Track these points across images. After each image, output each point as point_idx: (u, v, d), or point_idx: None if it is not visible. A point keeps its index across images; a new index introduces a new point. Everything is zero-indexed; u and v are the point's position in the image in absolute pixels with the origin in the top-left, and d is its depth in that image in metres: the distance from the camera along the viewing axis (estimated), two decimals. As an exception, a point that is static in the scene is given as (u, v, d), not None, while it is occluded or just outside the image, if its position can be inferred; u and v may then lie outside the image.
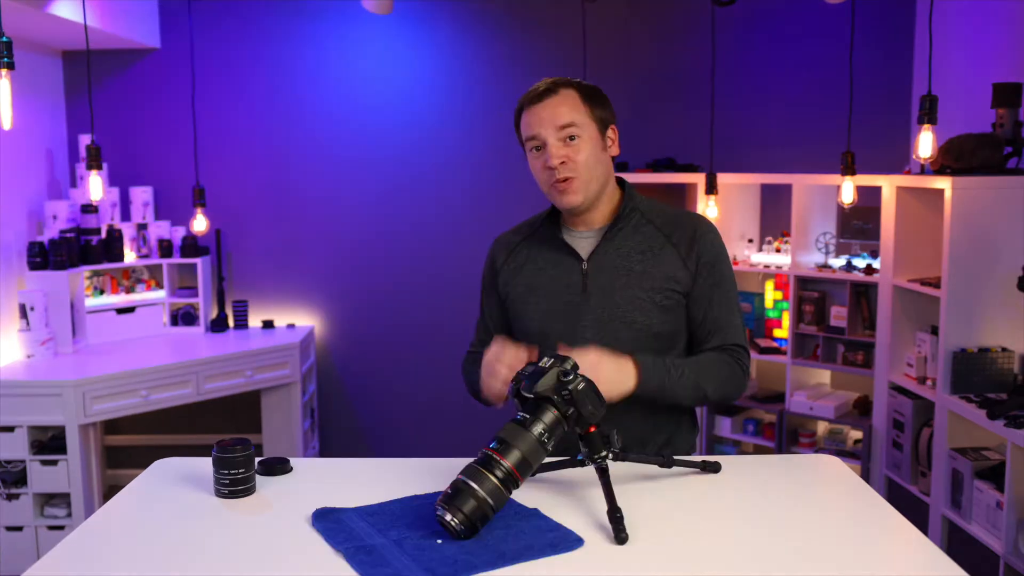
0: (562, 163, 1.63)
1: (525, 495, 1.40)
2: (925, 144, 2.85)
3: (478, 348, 1.83)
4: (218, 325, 4.15)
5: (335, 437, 4.49)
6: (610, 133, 1.71)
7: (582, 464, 1.41)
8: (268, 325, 4.26)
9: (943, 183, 3.02)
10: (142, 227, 4.15)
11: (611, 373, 1.51)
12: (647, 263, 1.67)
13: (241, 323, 4.22)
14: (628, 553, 1.22)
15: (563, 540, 1.25)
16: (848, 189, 3.28)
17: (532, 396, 1.32)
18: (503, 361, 1.53)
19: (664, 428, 1.70)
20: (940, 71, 3.56)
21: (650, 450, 1.68)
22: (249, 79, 4.25)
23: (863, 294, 3.64)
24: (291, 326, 4.30)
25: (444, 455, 1.69)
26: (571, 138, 1.63)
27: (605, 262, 1.68)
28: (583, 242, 1.72)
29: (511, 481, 1.27)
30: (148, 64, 4.22)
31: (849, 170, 3.26)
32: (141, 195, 4.13)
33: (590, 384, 1.33)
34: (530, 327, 1.72)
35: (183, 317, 4.14)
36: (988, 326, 3.00)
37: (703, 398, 1.64)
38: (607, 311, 1.65)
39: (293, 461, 1.59)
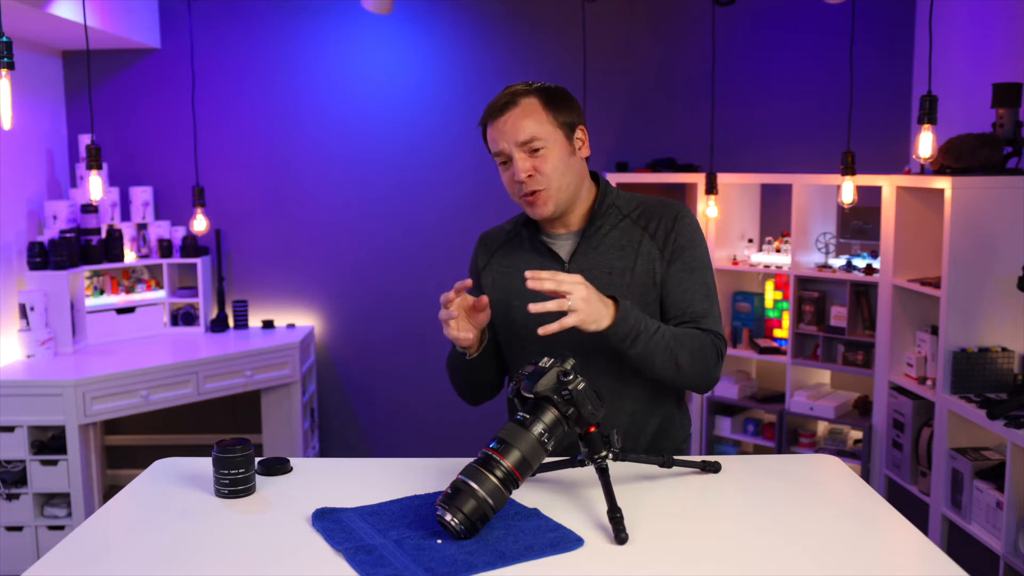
0: (529, 176, 1.61)
1: (525, 495, 1.40)
2: (925, 144, 2.85)
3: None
4: (218, 325, 4.15)
5: (335, 437, 4.49)
6: (578, 135, 1.66)
7: (582, 464, 1.41)
8: (268, 325, 4.26)
9: (943, 183, 3.02)
10: (142, 227, 4.15)
11: (594, 303, 1.47)
12: (627, 260, 1.65)
13: (241, 323, 4.22)
14: (628, 553, 1.22)
15: (563, 540, 1.25)
16: (848, 189, 3.28)
17: (532, 396, 1.32)
18: (456, 318, 1.57)
19: (656, 413, 1.69)
20: (940, 71, 3.57)
21: (643, 438, 1.68)
22: (249, 79, 4.25)
23: (863, 294, 3.64)
24: (291, 326, 4.30)
25: (444, 455, 1.69)
26: (535, 150, 1.60)
27: (586, 263, 1.66)
28: (563, 243, 1.71)
29: (511, 481, 1.27)
30: (148, 64, 4.22)
31: (849, 170, 3.26)
32: (141, 195, 4.13)
33: (590, 384, 1.33)
34: (516, 331, 1.71)
35: (183, 317, 4.14)
36: (988, 326, 3.00)
37: (675, 366, 1.57)
38: None
39: (293, 461, 1.60)
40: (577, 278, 1.47)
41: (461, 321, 1.59)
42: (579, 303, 1.45)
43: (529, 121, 1.60)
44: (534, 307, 1.45)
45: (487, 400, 1.81)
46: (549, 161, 1.61)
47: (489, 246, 1.81)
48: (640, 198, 1.73)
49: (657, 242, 1.66)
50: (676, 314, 1.65)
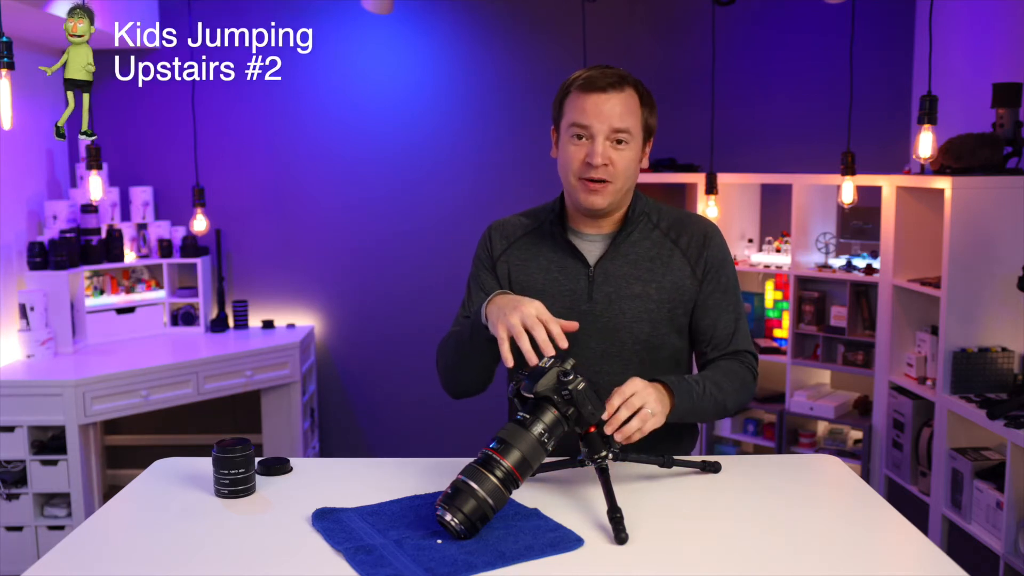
0: (605, 165, 1.57)
1: (525, 495, 1.40)
2: (925, 144, 2.85)
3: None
4: (218, 325, 4.15)
5: (335, 437, 4.49)
6: (647, 146, 1.66)
7: (582, 464, 1.41)
8: (268, 325, 4.26)
9: (943, 183, 3.02)
10: (142, 227, 4.14)
11: (663, 400, 1.44)
12: (656, 271, 1.63)
13: (241, 323, 4.22)
14: (628, 553, 1.22)
15: (563, 540, 1.25)
16: (848, 189, 3.28)
17: (532, 396, 1.32)
18: (546, 322, 1.39)
19: (668, 435, 1.68)
20: (940, 71, 3.56)
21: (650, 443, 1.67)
22: (249, 79, 4.24)
23: (863, 294, 3.64)
24: (291, 326, 4.30)
25: (444, 455, 1.69)
26: (620, 141, 1.58)
27: (613, 269, 1.63)
28: (591, 246, 1.66)
29: (511, 481, 1.27)
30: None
31: (849, 170, 3.26)
32: (141, 195, 4.12)
33: (590, 384, 1.33)
34: None
35: (183, 317, 4.13)
36: (988, 326, 3.00)
37: (723, 411, 1.60)
38: (613, 320, 1.61)
39: (293, 461, 1.59)
40: (637, 384, 1.40)
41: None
42: (655, 406, 1.40)
43: (628, 112, 1.58)
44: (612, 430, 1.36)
45: (473, 394, 1.71)
46: (625, 158, 1.58)
47: (507, 235, 1.72)
48: (668, 209, 1.71)
49: (689, 259, 1.65)
50: (712, 336, 1.66)
